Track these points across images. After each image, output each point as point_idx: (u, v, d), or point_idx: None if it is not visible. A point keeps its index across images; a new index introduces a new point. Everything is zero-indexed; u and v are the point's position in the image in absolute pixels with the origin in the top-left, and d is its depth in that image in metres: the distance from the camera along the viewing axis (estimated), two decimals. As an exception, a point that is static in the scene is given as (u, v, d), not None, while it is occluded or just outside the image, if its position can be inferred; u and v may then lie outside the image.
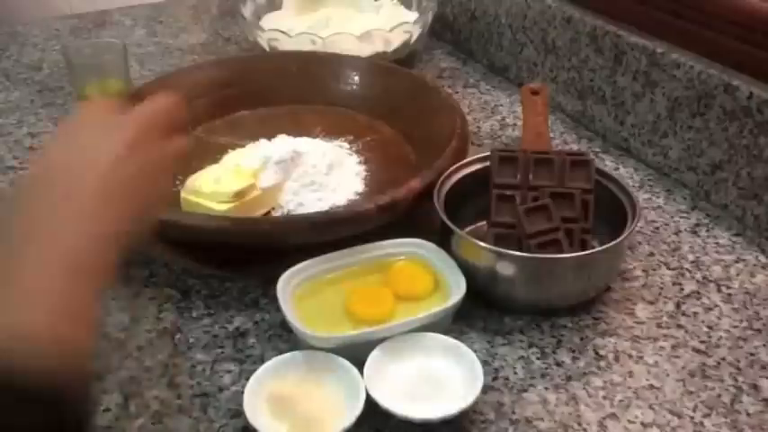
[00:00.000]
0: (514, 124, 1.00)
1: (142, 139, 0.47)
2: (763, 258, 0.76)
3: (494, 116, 1.02)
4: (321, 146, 0.86)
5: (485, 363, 0.63)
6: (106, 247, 0.42)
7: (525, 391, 0.62)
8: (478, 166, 0.76)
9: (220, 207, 0.73)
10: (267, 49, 1.11)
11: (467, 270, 0.66)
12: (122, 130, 0.47)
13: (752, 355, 0.65)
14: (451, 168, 0.74)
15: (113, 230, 0.43)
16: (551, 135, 0.93)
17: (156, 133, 0.48)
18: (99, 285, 0.41)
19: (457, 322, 0.67)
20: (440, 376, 0.60)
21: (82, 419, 0.38)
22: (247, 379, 0.59)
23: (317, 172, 0.81)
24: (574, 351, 0.65)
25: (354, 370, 0.59)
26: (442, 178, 0.73)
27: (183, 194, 0.75)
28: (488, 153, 0.75)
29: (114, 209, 0.43)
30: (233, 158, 0.81)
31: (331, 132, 0.91)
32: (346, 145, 0.90)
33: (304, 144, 0.85)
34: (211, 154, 0.83)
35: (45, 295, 0.38)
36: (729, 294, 0.72)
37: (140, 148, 0.47)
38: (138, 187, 0.46)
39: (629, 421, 0.59)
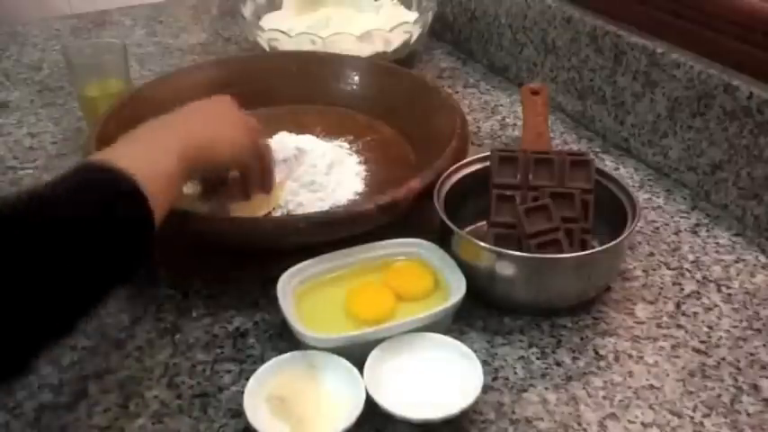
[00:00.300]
0: (514, 124, 1.00)
1: (247, 124, 0.71)
2: (763, 258, 0.76)
3: (494, 116, 1.02)
4: (321, 146, 0.86)
5: (485, 363, 0.63)
6: (184, 156, 0.61)
7: (525, 391, 0.62)
8: (478, 166, 0.76)
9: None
10: (267, 49, 1.11)
11: (467, 270, 0.66)
12: (240, 113, 0.72)
13: (752, 355, 0.65)
14: (451, 168, 0.74)
15: (190, 152, 0.62)
16: (551, 135, 0.93)
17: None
18: (176, 174, 0.60)
19: (457, 322, 0.67)
20: (440, 376, 0.60)
21: (146, 234, 0.55)
22: (247, 379, 0.59)
23: (317, 172, 0.81)
24: (574, 351, 0.65)
25: (354, 370, 0.59)
26: (442, 178, 0.73)
27: (185, 191, 0.76)
28: (488, 153, 0.75)
29: (198, 139, 0.64)
30: None
31: (331, 132, 0.91)
32: (346, 145, 0.90)
33: (306, 142, 0.85)
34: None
35: (148, 161, 0.58)
36: (729, 294, 0.72)
37: (244, 125, 0.70)
38: (222, 135, 0.67)
39: (629, 421, 0.59)
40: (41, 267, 0.48)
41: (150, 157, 0.59)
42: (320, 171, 0.81)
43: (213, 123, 0.68)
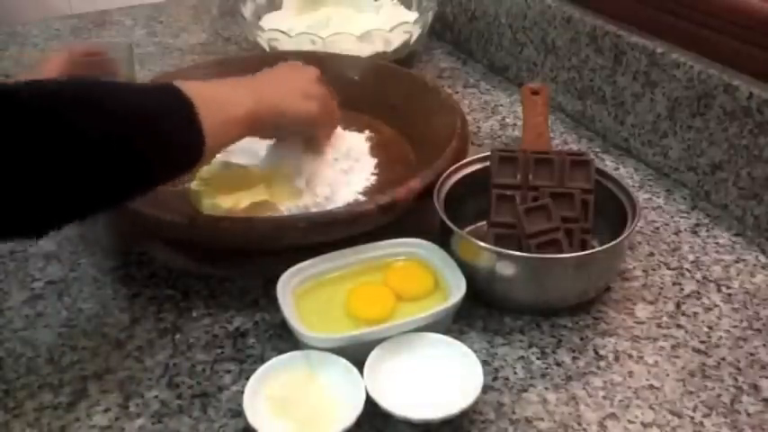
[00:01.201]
0: (514, 124, 1.00)
1: (321, 91, 0.76)
2: (763, 258, 0.76)
3: (494, 116, 1.02)
4: (349, 142, 0.86)
5: (485, 363, 0.63)
6: (254, 112, 0.67)
7: (525, 391, 0.62)
8: (478, 166, 0.76)
9: (225, 203, 0.74)
10: (267, 49, 1.11)
11: (467, 270, 0.66)
12: (320, 87, 0.77)
13: (752, 355, 0.65)
14: (451, 168, 0.75)
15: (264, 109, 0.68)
16: (551, 135, 0.93)
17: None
18: (240, 124, 0.66)
19: (457, 322, 0.67)
20: (440, 376, 0.60)
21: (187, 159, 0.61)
22: (247, 379, 0.59)
23: (332, 168, 0.81)
24: (574, 351, 0.65)
25: (354, 370, 0.59)
26: (442, 178, 0.73)
27: (193, 186, 0.77)
28: (488, 153, 0.75)
29: (270, 103, 0.69)
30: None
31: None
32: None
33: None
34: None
35: (217, 101, 0.64)
36: (729, 294, 0.72)
37: (316, 98, 0.75)
38: (291, 104, 0.72)
39: (629, 421, 0.59)
40: (88, 141, 0.53)
41: (221, 99, 0.64)
42: (339, 168, 0.81)
43: (289, 91, 0.72)
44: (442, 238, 0.69)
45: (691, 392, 0.62)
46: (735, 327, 0.68)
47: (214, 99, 0.63)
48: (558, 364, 0.64)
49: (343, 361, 0.60)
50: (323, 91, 0.77)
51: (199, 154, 0.61)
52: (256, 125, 0.68)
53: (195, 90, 0.61)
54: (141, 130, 0.57)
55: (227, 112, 0.64)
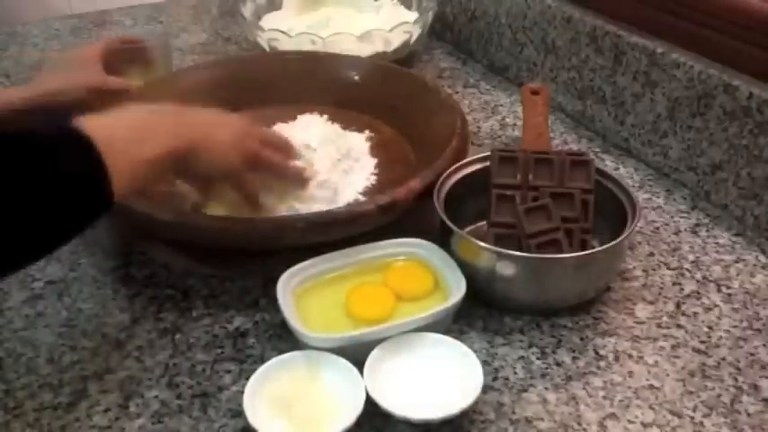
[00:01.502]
0: (514, 124, 1.00)
1: (249, 135, 0.70)
2: (763, 258, 0.76)
3: (494, 116, 1.02)
4: (346, 137, 0.86)
5: (485, 363, 0.63)
6: (175, 147, 0.62)
7: (525, 391, 0.62)
8: (478, 166, 0.76)
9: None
10: (267, 49, 1.11)
11: (467, 270, 0.66)
12: (246, 125, 0.71)
13: (752, 355, 0.65)
14: (451, 168, 0.75)
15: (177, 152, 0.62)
16: (551, 135, 0.93)
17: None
18: (160, 160, 0.60)
19: (457, 322, 0.67)
20: (440, 376, 0.60)
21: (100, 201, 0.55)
22: (247, 379, 0.59)
23: (332, 168, 0.81)
24: (574, 351, 0.65)
25: (354, 370, 0.59)
26: (442, 178, 0.73)
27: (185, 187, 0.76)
28: (488, 153, 0.75)
29: (193, 137, 0.64)
30: None
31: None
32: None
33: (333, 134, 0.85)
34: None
35: (129, 137, 0.58)
36: (729, 294, 0.72)
37: (244, 140, 0.69)
38: (216, 136, 0.67)
39: (629, 421, 0.59)
40: None
41: (133, 136, 0.59)
42: (339, 169, 0.81)
43: (212, 125, 0.68)
44: (442, 238, 0.69)
45: (691, 392, 0.62)
46: (735, 327, 0.68)
47: (122, 139, 0.57)
48: (558, 364, 0.64)
49: (343, 361, 0.60)
50: (248, 127, 0.72)
51: (103, 196, 0.55)
52: (176, 160, 0.62)
53: (101, 131, 0.55)
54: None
55: (137, 153, 0.58)
